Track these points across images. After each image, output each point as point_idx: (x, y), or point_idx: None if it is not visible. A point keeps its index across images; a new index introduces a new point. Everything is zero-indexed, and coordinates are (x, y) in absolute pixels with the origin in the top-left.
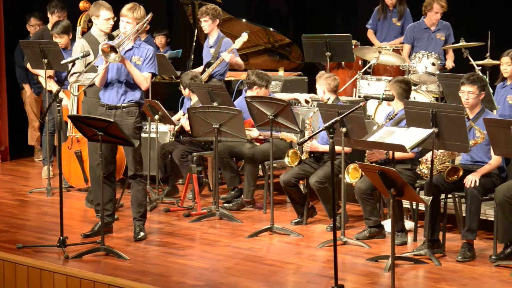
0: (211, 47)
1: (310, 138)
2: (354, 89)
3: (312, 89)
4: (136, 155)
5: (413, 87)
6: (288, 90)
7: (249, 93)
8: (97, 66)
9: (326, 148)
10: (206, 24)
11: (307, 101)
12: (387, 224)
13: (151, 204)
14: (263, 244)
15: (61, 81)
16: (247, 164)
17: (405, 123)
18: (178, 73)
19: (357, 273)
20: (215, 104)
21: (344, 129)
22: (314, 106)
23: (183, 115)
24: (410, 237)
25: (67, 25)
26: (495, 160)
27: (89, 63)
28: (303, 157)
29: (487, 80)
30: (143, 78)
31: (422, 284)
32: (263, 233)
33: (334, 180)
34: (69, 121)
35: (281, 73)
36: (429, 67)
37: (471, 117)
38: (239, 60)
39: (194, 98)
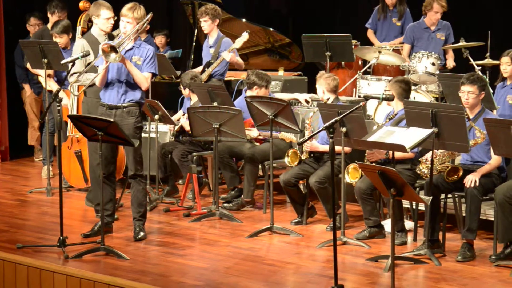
0: (210, 47)
1: (310, 138)
2: (354, 89)
3: (312, 89)
4: (137, 155)
5: (413, 87)
6: (288, 90)
7: (249, 93)
8: (98, 66)
9: (326, 148)
10: (206, 24)
11: (307, 101)
12: (387, 224)
13: (151, 204)
14: (263, 244)
15: (61, 81)
16: (247, 164)
17: (405, 123)
18: (178, 73)
19: (357, 273)
20: (215, 104)
21: (344, 129)
22: (314, 106)
23: (183, 115)
24: (410, 237)
25: (67, 24)
26: (495, 160)
27: (89, 63)
28: (303, 157)
29: (487, 80)
30: (143, 78)
31: (422, 284)
32: (263, 233)
33: (334, 180)
34: (69, 121)
35: (281, 73)
36: (429, 67)
37: (471, 117)
38: (239, 60)
39: (194, 98)
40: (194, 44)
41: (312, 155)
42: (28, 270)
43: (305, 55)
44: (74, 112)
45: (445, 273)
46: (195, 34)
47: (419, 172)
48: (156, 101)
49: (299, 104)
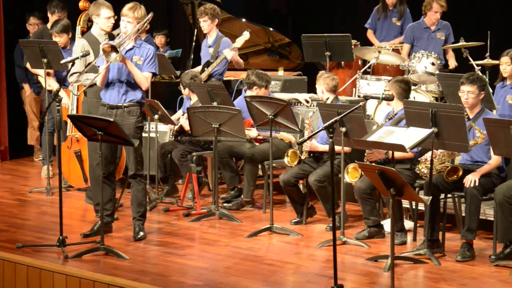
0: (210, 46)
1: (310, 137)
2: (354, 89)
3: (311, 88)
4: (137, 155)
5: (412, 87)
6: (287, 90)
7: (249, 93)
8: (98, 66)
9: (325, 147)
10: (206, 24)
11: (306, 101)
12: (387, 224)
13: (151, 203)
14: (263, 243)
15: (61, 81)
16: (246, 163)
17: (404, 123)
18: (178, 72)
19: (356, 273)
20: (214, 103)
21: (343, 129)
22: (314, 106)
23: (183, 114)
24: (409, 237)
25: (66, 24)
26: (494, 160)
27: (89, 63)
28: (303, 157)
29: (487, 80)
30: (144, 78)
31: (421, 284)
32: (262, 233)
33: (333, 180)
34: (68, 121)
35: (280, 72)
36: (429, 67)
37: (471, 117)
38: (239, 59)
39: (194, 98)
40: (194, 44)
41: (311, 155)
42: (28, 270)
43: (304, 55)
44: (74, 113)
45: (445, 273)
46: (195, 34)
47: (418, 172)
48: (155, 101)
49: (299, 104)
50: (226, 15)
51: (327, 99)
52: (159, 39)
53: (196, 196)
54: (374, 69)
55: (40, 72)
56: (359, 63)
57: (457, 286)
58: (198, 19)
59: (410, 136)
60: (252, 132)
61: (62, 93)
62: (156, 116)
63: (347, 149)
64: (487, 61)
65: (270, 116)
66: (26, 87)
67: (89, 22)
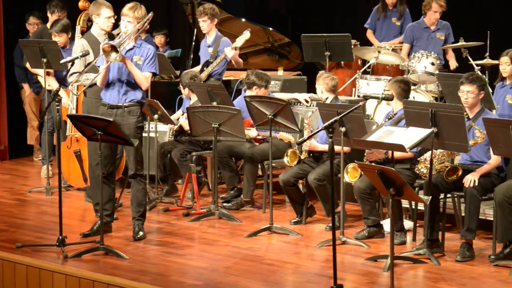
0: (209, 46)
1: (309, 137)
2: (354, 89)
3: (311, 88)
4: (138, 155)
5: (412, 87)
6: (287, 90)
7: (249, 93)
8: (98, 66)
9: (325, 147)
10: (205, 24)
11: (306, 101)
12: (386, 224)
13: (150, 203)
14: (262, 243)
15: (61, 80)
16: (246, 163)
17: (404, 123)
18: (178, 72)
19: (356, 273)
20: (214, 103)
21: (343, 129)
22: (313, 105)
23: (182, 114)
24: (409, 237)
25: (66, 23)
26: (494, 160)
27: (89, 63)
28: (302, 157)
29: (487, 79)
30: (144, 78)
31: (421, 284)
32: (262, 233)
33: (333, 180)
34: (68, 120)
35: (280, 72)
36: (429, 67)
37: (470, 116)
38: (238, 58)
39: (194, 98)
40: (193, 43)
41: (311, 154)
42: (27, 270)
43: (304, 55)
44: (74, 112)
45: (444, 273)
46: (195, 34)
47: (418, 172)
48: (155, 100)
49: (299, 103)
50: (226, 15)
51: (327, 99)
52: (159, 39)
53: (195, 196)
54: (374, 69)
55: (40, 71)
56: (359, 63)
57: (456, 286)
58: (198, 19)
59: (409, 136)
60: (252, 132)
61: (61, 93)
62: (155, 116)
63: (346, 149)
64: (487, 61)
65: (270, 116)
66: (26, 86)
67: (89, 22)
